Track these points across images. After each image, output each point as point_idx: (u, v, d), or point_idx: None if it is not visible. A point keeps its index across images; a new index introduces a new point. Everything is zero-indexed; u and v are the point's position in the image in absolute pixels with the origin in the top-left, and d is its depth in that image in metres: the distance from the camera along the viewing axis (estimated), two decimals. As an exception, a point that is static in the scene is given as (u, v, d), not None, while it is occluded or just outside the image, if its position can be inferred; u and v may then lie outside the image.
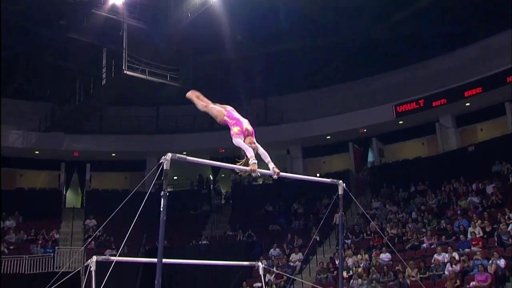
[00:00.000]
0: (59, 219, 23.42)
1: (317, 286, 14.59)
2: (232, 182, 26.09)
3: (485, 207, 17.31)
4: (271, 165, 6.44)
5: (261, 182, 25.94)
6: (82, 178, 25.79)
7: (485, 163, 19.59)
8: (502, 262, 13.73)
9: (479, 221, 16.00)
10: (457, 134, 22.64)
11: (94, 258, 7.12)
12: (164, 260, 5.86)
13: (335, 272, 16.65)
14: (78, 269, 11.05)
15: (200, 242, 21.85)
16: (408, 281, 14.98)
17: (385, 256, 16.80)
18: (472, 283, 13.50)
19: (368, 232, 19.05)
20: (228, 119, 6.59)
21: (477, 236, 15.41)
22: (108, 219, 6.90)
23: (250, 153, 6.30)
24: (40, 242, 20.37)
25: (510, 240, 14.64)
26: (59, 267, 18.54)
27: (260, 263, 9.12)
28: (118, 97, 23.84)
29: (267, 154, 6.45)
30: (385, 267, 16.10)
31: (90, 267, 7.01)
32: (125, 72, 20.64)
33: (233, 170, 22.31)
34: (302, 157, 25.93)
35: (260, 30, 21.81)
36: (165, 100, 25.63)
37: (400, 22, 21.40)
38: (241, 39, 22.31)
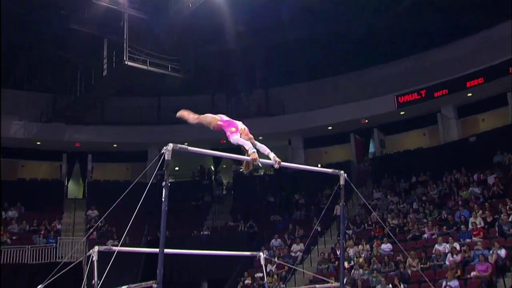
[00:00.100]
0: (61, 210, 23.51)
1: (319, 276, 14.64)
2: (233, 172, 26.12)
3: (486, 197, 17.32)
4: (272, 155, 6.43)
5: (262, 173, 25.97)
6: (83, 169, 25.84)
7: (487, 153, 19.57)
8: (502, 252, 13.76)
9: (480, 212, 16.03)
10: (458, 125, 22.60)
11: (96, 248, 7.14)
12: (165, 250, 5.87)
13: (336, 262, 16.71)
14: (80, 259, 11.09)
15: (201, 233, 21.92)
16: (409, 271, 15.04)
17: (386, 247, 16.85)
18: (473, 273, 13.55)
19: (369, 223, 19.09)
20: (222, 123, 6.59)
21: (478, 226, 15.44)
22: (110, 209, 6.91)
23: (248, 145, 6.29)
24: (42, 232, 20.47)
25: (511, 230, 14.67)
26: (61, 257, 18.63)
27: (261, 253, 9.14)
28: (119, 88, 23.82)
29: (265, 147, 6.46)
30: (386, 257, 16.15)
31: (92, 257, 7.03)
32: (126, 63, 20.60)
33: (234, 161, 22.38)
34: (303, 148, 25.93)
35: (261, 21, 21.74)
36: (166, 91, 25.61)
37: (402, 12, 21.30)
38: (242, 30, 22.24)
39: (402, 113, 23.15)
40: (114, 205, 6.69)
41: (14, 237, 19.94)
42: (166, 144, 5.73)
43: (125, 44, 20.52)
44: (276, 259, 17.26)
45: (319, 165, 24.47)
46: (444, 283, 13.17)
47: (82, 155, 25.63)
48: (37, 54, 23.36)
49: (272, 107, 26.41)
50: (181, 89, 24.89)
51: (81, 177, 26.13)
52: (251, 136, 6.55)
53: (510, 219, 14.92)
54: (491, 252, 13.92)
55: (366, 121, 24.06)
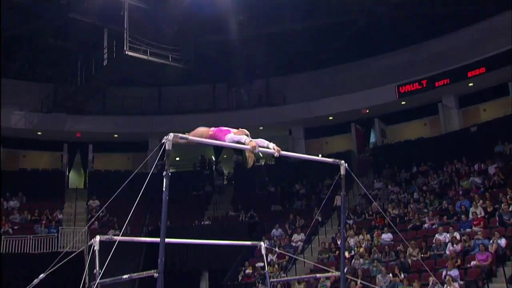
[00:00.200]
0: (62, 200, 23.57)
1: (319, 266, 14.69)
2: (234, 163, 26.14)
3: (487, 187, 17.34)
4: (271, 145, 6.41)
5: (263, 163, 25.99)
6: (84, 159, 25.88)
7: (488, 143, 19.57)
8: (503, 242, 13.80)
9: (481, 201, 16.05)
10: (459, 115, 22.58)
11: (98, 237, 7.14)
12: (167, 240, 5.88)
13: (337, 252, 16.76)
14: (82, 248, 11.13)
15: (202, 223, 21.98)
16: (410, 261, 15.09)
17: (386, 236, 16.89)
18: (473, 262, 13.60)
19: (370, 213, 19.13)
20: (213, 132, 6.56)
21: (479, 216, 15.47)
22: (111, 199, 6.91)
23: (243, 138, 6.26)
24: (43, 222, 20.53)
25: (511, 220, 14.69)
26: (63, 247, 18.68)
27: (262, 243, 9.17)
28: (120, 78, 23.78)
29: (263, 140, 6.42)
30: (386, 247, 16.20)
31: (94, 246, 7.04)
32: (126, 52, 20.54)
33: (235, 151, 22.36)
34: (304, 138, 25.94)
35: (262, 10, 21.66)
36: (167, 81, 25.57)
37: (403, 2, 21.22)
38: (243, 20, 22.15)
39: (403, 103, 23.12)
40: (115, 195, 6.69)
41: (15, 227, 20.03)
42: (167, 134, 5.72)
43: (125, 34, 20.44)
44: (277, 249, 17.28)
45: (320, 155, 24.48)
46: (444, 272, 13.21)
47: (83, 145, 25.65)
48: (37, 44, 23.29)
49: (272, 97, 26.37)
50: (181, 79, 24.86)
51: (82, 167, 26.17)
52: (247, 132, 6.51)
53: (510, 209, 14.94)
54: (491, 241, 13.96)
55: (367, 111, 24.03)
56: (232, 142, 6.36)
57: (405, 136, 24.17)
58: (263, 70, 25.58)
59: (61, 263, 6.98)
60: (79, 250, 10.18)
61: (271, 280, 11.56)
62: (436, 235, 15.34)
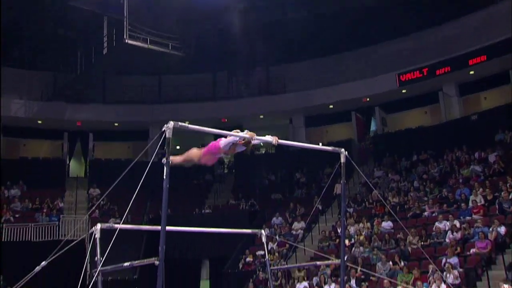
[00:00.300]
0: (63, 188, 23.61)
1: (320, 253, 14.76)
2: (234, 151, 26.12)
3: (487, 175, 17.36)
4: (269, 136, 6.48)
5: (263, 152, 25.99)
6: (85, 148, 25.90)
7: (488, 132, 19.57)
8: (502, 230, 13.85)
9: (481, 190, 16.08)
10: (460, 103, 22.55)
11: (99, 225, 7.17)
12: (167, 228, 5.91)
13: (337, 240, 16.83)
14: (83, 236, 11.18)
15: (203, 211, 22.05)
16: (409, 249, 15.16)
17: (386, 224, 16.95)
18: (473, 250, 13.66)
19: (370, 201, 19.17)
20: (205, 148, 6.66)
21: (478, 204, 15.51)
22: (111, 187, 6.93)
23: (239, 134, 6.29)
24: (45, 210, 20.60)
25: (511, 207, 14.73)
26: (64, 235, 18.77)
27: (262, 231, 9.20)
28: (120, 66, 23.73)
29: (260, 137, 6.50)
30: (386, 235, 16.26)
31: (95, 234, 7.07)
32: (126, 41, 20.49)
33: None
34: (304, 127, 25.92)
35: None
36: (167, 69, 25.51)
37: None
38: (242, 7, 22.05)
39: (403, 91, 23.08)
40: (115, 183, 6.71)
41: (17, 215, 20.11)
42: (167, 123, 5.73)
43: (125, 22, 20.37)
44: (277, 237, 17.38)
45: (320, 144, 24.49)
46: (444, 260, 13.28)
47: (84, 134, 25.66)
48: (37, 32, 23.21)
49: (273, 86, 26.31)
50: (182, 67, 24.80)
51: (82, 156, 26.19)
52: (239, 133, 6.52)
53: (510, 197, 14.97)
54: (490, 229, 14.01)
55: (368, 99, 24.00)
56: (228, 144, 6.33)
57: (405, 125, 24.15)
58: (264, 58, 25.50)
59: (62, 251, 7.01)
60: (80, 238, 10.21)
61: (272, 268, 11.62)
62: (436, 223, 15.39)
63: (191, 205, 22.68)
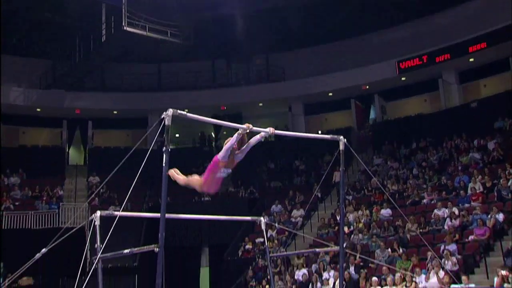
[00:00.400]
0: (62, 176, 23.64)
1: (319, 240, 14.82)
2: (234, 139, 26.12)
3: (486, 163, 17.39)
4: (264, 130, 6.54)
5: (263, 140, 25.93)
6: (84, 136, 25.87)
7: (488, 119, 19.56)
8: (501, 216, 13.90)
9: (480, 177, 16.11)
10: (460, 90, 22.52)
11: (98, 213, 7.19)
12: (167, 215, 5.93)
13: (336, 227, 16.89)
14: (82, 224, 11.21)
15: (202, 199, 22.07)
16: (408, 236, 15.22)
17: (385, 212, 17.01)
18: (471, 237, 13.72)
19: (369, 189, 19.22)
20: (204, 174, 6.61)
21: (477, 191, 15.54)
22: (110, 175, 6.94)
23: (236, 134, 6.30)
24: (44, 198, 20.65)
25: (509, 195, 14.77)
26: (64, 223, 18.83)
27: (262, 219, 9.22)
28: (118, 54, 23.63)
29: (256, 136, 6.52)
30: (385, 222, 16.33)
31: (95, 221, 7.10)
32: (125, 28, 20.39)
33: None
34: (303, 114, 25.87)
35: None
36: (166, 57, 25.42)
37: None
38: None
39: (403, 79, 23.04)
40: (114, 171, 6.72)
41: (17, 203, 20.15)
42: (166, 110, 5.73)
43: (123, 9, 20.26)
44: (276, 225, 17.43)
45: (320, 132, 24.51)
46: (442, 247, 13.34)
47: (83, 122, 25.61)
48: (35, 20, 23.06)
49: (272, 74, 26.26)
50: (181, 55, 24.72)
51: (81, 144, 26.17)
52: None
53: (509, 184, 15.01)
54: (489, 216, 14.06)
55: (367, 87, 23.95)
56: (226, 153, 6.31)
57: (405, 112, 24.13)
58: (263, 46, 25.40)
59: (62, 239, 7.04)
60: (80, 226, 10.23)
61: (271, 255, 11.66)
62: (435, 211, 15.44)
63: (190, 193, 22.67)
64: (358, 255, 14.50)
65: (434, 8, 22.86)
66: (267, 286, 14.84)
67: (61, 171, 24.02)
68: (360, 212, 17.58)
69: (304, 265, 15.80)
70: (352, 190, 19.75)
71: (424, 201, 16.88)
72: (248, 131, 6.38)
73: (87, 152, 25.68)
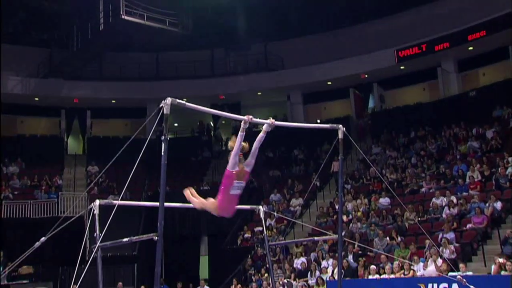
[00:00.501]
0: (61, 166, 23.65)
1: (317, 229, 14.88)
2: (232, 128, 26.11)
3: (484, 151, 17.41)
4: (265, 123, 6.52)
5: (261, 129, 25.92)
6: (82, 125, 25.81)
7: (487, 108, 19.56)
8: (498, 205, 13.96)
9: (478, 166, 16.15)
10: (458, 79, 22.47)
11: (97, 202, 7.22)
12: (166, 204, 5.95)
13: (335, 216, 16.94)
14: (81, 213, 11.24)
15: (201, 188, 22.10)
16: (406, 224, 15.28)
17: (384, 201, 17.05)
18: (469, 225, 13.78)
19: (368, 177, 19.25)
20: (218, 195, 6.24)
21: (476, 180, 15.58)
22: (109, 163, 6.95)
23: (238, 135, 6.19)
24: (43, 187, 20.67)
25: (507, 183, 14.81)
26: (63, 212, 18.87)
27: (261, 208, 9.25)
28: (116, 43, 23.52)
29: (257, 138, 6.42)
30: (384, 211, 16.37)
31: (94, 210, 7.12)
32: (122, 17, 20.27)
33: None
34: (302, 103, 25.84)
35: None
36: (165, 46, 25.31)
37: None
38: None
39: (402, 67, 22.96)
40: (113, 160, 6.73)
41: (16, 192, 20.18)
42: (165, 99, 5.72)
43: (121, -2, 20.14)
44: (275, 213, 17.50)
45: (318, 121, 24.52)
46: (440, 235, 13.41)
47: (81, 111, 25.55)
48: (32, 8, 22.90)
49: (271, 62, 26.17)
50: (179, 44, 24.61)
51: (80, 133, 26.14)
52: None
53: (507, 173, 15.04)
54: (487, 205, 14.11)
55: (366, 76, 23.88)
56: (234, 161, 6.11)
57: (404, 101, 24.08)
58: (262, 34, 25.29)
59: (61, 227, 7.06)
60: (79, 214, 10.28)
61: (270, 243, 11.72)
62: (433, 199, 15.49)
63: (189, 182, 22.64)
64: (356, 244, 14.57)
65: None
66: (266, 275, 14.91)
67: (60, 161, 24.03)
68: (358, 201, 17.63)
69: (303, 254, 15.87)
70: (350, 179, 19.78)
71: (423, 189, 16.92)
72: (248, 121, 6.34)
73: (85, 142, 25.65)
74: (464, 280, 9.64)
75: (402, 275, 12.61)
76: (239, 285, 15.71)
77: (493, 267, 11.49)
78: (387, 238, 14.65)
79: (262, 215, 9.27)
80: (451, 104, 21.33)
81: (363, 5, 23.52)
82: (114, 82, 25.31)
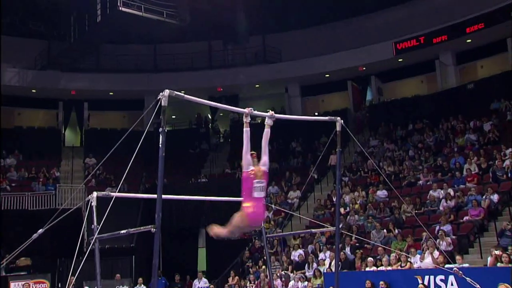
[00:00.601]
0: (59, 158, 23.63)
1: (315, 221, 14.92)
2: (230, 120, 26.12)
3: (482, 144, 17.45)
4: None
5: (259, 121, 25.91)
6: (80, 117, 25.77)
7: (484, 100, 19.57)
8: (495, 197, 14.01)
9: (475, 158, 16.19)
10: (456, 72, 22.46)
11: (95, 193, 7.22)
12: (164, 196, 5.95)
13: (332, 208, 16.99)
14: (79, 204, 11.25)
15: (199, 180, 22.14)
16: (404, 217, 15.33)
17: (381, 193, 17.10)
18: (466, 218, 13.83)
19: (366, 170, 19.28)
20: (246, 209, 5.95)
21: (473, 172, 15.63)
22: (107, 156, 6.94)
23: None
24: (41, 179, 20.66)
25: (504, 176, 14.85)
26: (61, 204, 18.88)
27: (258, 200, 9.23)
28: (114, 34, 23.41)
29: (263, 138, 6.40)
30: (381, 203, 16.42)
31: (91, 202, 7.12)
32: (120, 8, 20.18)
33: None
34: (300, 96, 25.81)
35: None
36: (162, 38, 25.21)
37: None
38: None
39: (400, 60, 22.95)
40: (110, 152, 6.72)
41: (13, 184, 20.17)
42: (163, 91, 5.71)
43: (119, -12, 20.03)
44: (273, 206, 17.52)
45: (316, 113, 24.50)
46: (437, 228, 13.46)
47: (78, 103, 25.51)
48: None
49: (269, 54, 26.11)
50: (177, 36, 24.51)
51: (77, 125, 26.10)
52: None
53: (504, 165, 15.08)
54: (484, 197, 14.16)
55: (364, 68, 23.86)
56: (247, 163, 6.13)
57: (401, 94, 24.08)
58: (260, 26, 25.20)
59: (59, 219, 7.07)
60: (77, 206, 10.28)
61: (267, 236, 11.75)
62: (430, 192, 15.54)
63: (187, 174, 22.75)
64: (354, 236, 14.61)
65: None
66: (263, 267, 14.97)
67: (58, 153, 24.01)
68: (356, 193, 17.67)
69: (300, 246, 15.91)
70: (348, 172, 19.81)
71: (420, 182, 16.97)
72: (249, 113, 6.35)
73: (83, 134, 25.62)
74: (461, 272, 9.68)
75: (399, 267, 12.67)
76: (237, 277, 15.78)
77: (489, 259, 11.55)
78: (384, 230, 14.70)
79: (259, 207, 9.26)
80: (449, 96, 21.32)
81: (362, -3, 23.43)
82: (112, 74, 25.24)
